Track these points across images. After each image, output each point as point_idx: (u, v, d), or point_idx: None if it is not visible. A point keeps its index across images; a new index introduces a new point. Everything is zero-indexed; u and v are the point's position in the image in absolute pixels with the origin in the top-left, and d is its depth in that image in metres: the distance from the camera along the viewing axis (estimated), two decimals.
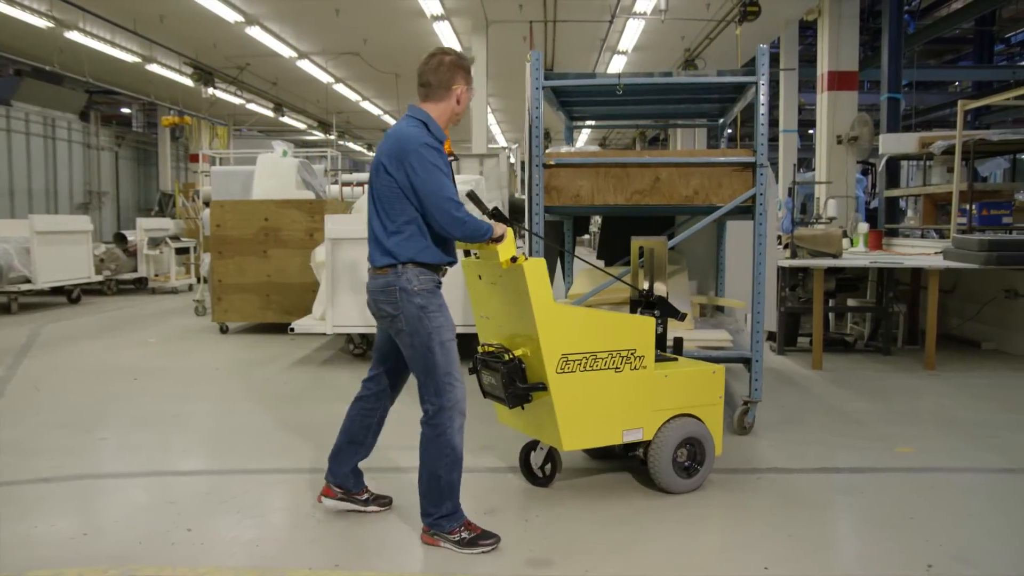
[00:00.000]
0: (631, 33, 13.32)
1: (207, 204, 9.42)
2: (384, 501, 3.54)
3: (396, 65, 16.32)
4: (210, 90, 17.25)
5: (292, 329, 6.91)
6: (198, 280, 11.33)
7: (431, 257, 3.18)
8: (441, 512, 3.15)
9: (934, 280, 6.70)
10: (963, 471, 4.18)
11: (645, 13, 11.93)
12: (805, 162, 19.58)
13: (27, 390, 6.08)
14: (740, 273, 5.65)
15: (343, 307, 6.66)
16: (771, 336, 7.44)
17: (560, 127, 6.63)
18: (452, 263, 3.32)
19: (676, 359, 3.93)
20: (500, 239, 3.19)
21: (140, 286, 13.23)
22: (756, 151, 4.48)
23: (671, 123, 11.12)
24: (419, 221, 3.15)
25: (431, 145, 3.13)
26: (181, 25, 13.67)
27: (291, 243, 8.28)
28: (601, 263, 5.85)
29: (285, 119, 22.31)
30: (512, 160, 10.35)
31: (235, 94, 18.85)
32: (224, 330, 8.69)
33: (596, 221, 9.24)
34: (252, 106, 20.47)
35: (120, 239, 13.12)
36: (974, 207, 7.64)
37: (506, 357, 3.47)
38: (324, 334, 7.44)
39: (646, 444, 3.67)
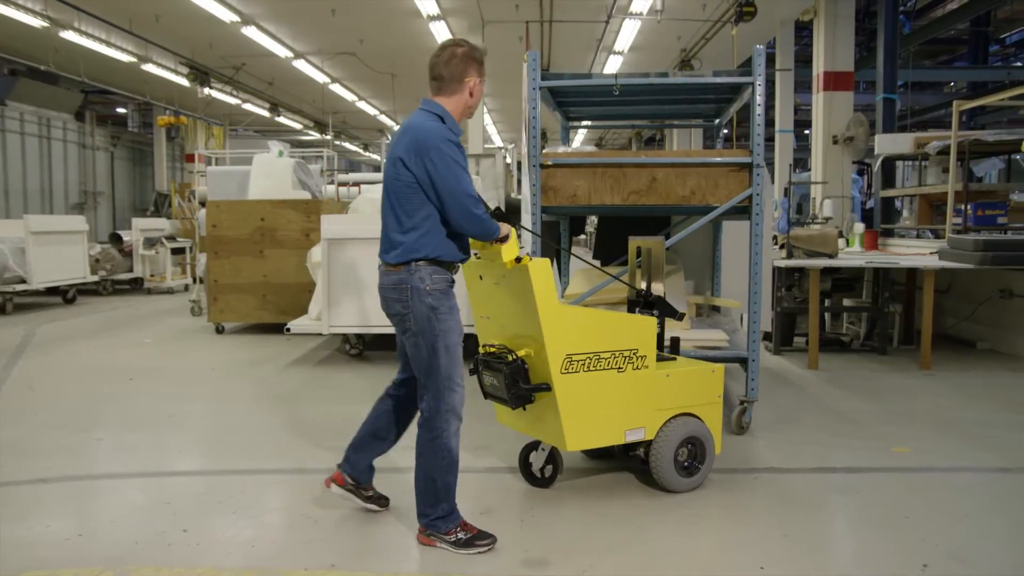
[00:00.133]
0: (627, 33, 13.32)
1: (203, 204, 9.41)
2: (384, 501, 3.54)
3: (392, 65, 16.31)
4: (206, 90, 17.21)
5: (288, 329, 6.91)
6: (194, 280, 11.31)
7: (446, 253, 3.14)
8: (437, 513, 3.14)
9: (929, 280, 6.72)
10: (959, 471, 4.19)
11: (641, 13, 11.94)
12: (801, 162, 19.59)
13: (22, 391, 6.07)
14: (736, 273, 5.66)
15: (339, 307, 6.66)
16: (767, 336, 7.45)
17: (556, 127, 6.63)
18: (466, 259, 3.28)
19: (675, 359, 3.94)
20: (505, 239, 3.18)
21: (136, 286, 13.20)
22: (752, 151, 4.49)
23: (667, 123, 11.13)
24: (435, 217, 3.11)
25: (452, 141, 3.09)
26: (177, 25, 13.64)
27: (287, 243, 8.27)
28: (597, 263, 5.85)
29: (281, 119, 22.27)
30: (508, 160, 10.35)
31: (231, 94, 18.82)
32: (220, 330, 8.68)
33: (592, 221, 9.24)
34: (248, 106, 20.43)
35: (116, 239, 13.08)
36: (969, 207, 7.66)
37: (509, 358, 3.45)
38: (320, 334, 7.44)
39: (647, 444, 3.68)
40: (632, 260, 4.22)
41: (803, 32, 14.64)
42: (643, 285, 4.10)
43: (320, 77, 17.73)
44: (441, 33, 13.44)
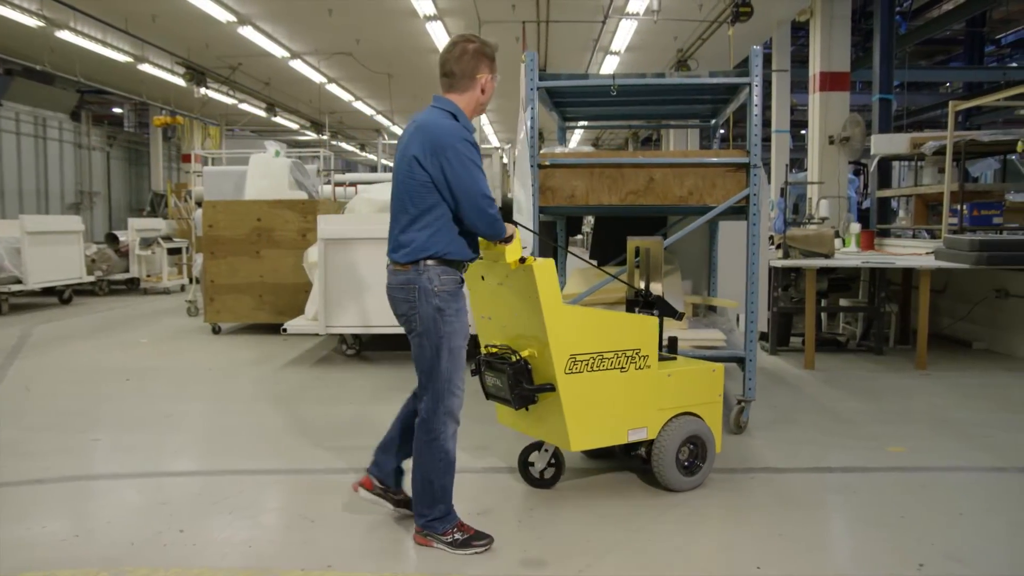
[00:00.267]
0: (624, 34, 13.32)
1: (199, 204, 9.40)
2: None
3: (389, 65, 16.29)
4: (202, 90, 17.17)
5: (285, 330, 6.90)
6: (190, 280, 11.29)
7: (457, 251, 3.11)
8: (434, 514, 3.14)
9: (925, 280, 6.73)
10: (955, 470, 4.20)
11: (638, 14, 11.95)
12: (797, 162, 19.62)
13: (18, 391, 6.05)
14: (732, 273, 5.66)
15: (336, 308, 6.65)
16: (763, 336, 7.46)
17: (553, 127, 6.63)
18: (475, 258, 3.25)
19: (675, 358, 3.95)
20: (510, 239, 3.17)
21: (132, 286, 13.18)
22: (749, 152, 4.50)
23: (664, 124, 11.13)
24: (448, 215, 3.08)
25: (468, 140, 3.06)
26: (173, 25, 13.61)
27: (284, 243, 8.26)
28: (594, 263, 5.85)
29: (277, 119, 22.23)
30: (505, 160, 10.35)
31: (227, 94, 18.78)
32: (216, 330, 8.67)
33: (588, 221, 9.24)
34: (244, 106, 20.39)
35: (112, 239, 13.06)
36: (965, 207, 7.68)
37: (513, 358, 3.45)
38: (317, 335, 7.44)
39: (649, 443, 3.69)
40: (631, 260, 4.22)
41: (799, 32, 14.65)
42: (642, 285, 4.10)
43: (317, 77, 17.71)
44: (438, 33, 13.43)
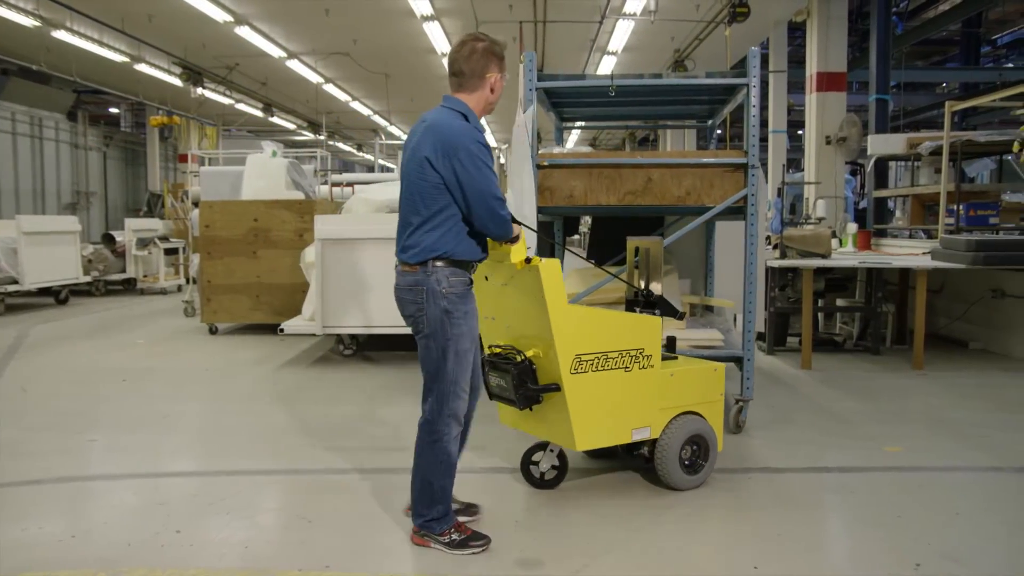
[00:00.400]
0: (621, 34, 13.33)
1: (196, 204, 9.38)
2: (474, 510, 3.44)
3: (386, 65, 16.28)
4: (199, 90, 17.16)
5: (282, 330, 6.89)
6: (187, 281, 11.28)
7: (466, 252, 3.10)
8: (432, 515, 3.14)
9: (922, 280, 6.74)
10: (951, 470, 4.20)
11: (635, 14, 11.95)
12: (794, 163, 19.65)
13: (14, 391, 6.04)
14: (729, 273, 5.67)
15: (333, 308, 6.65)
16: (760, 336, 7.46)
17: (550, 128, 6.63)
18: (484, 258, 3.23)
19: (676, 358, 3.96)
20: (516, 239, 3.17)
21: (128, 287, 13.15)
22: (747, 152, 4.50)
23: (661, 124, 11.15)
24: (458, 215, 3.06)
25: (481, 142, 3.05)
26: (170, 25, 13.60)
27: (281, 244, 8.25)
28: (595, 263, 5.85)
29: (274, 119, 22.22)
30: (503, 160, 10.35)
31: (224, 94, 18.77)
32: (213, 331, 8.66)
33: (585, 222, 9.25)
34: (241, 106, 20.38)
35: (108, 239, 13.04)
36: (961, 207, 7.69)
37: (518, 359, 3.44)
38: (314, 335, 7.43)
39: (651, 442, 3.70)
40: (631, 260, 4.22)
41: (796, 33, 14.67)
42: (642, 285, 4.11)
43: (314, 77, 17.70)
44: (435, 33, 13.43)
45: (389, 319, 6.44)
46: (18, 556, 3.11)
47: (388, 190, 7.43)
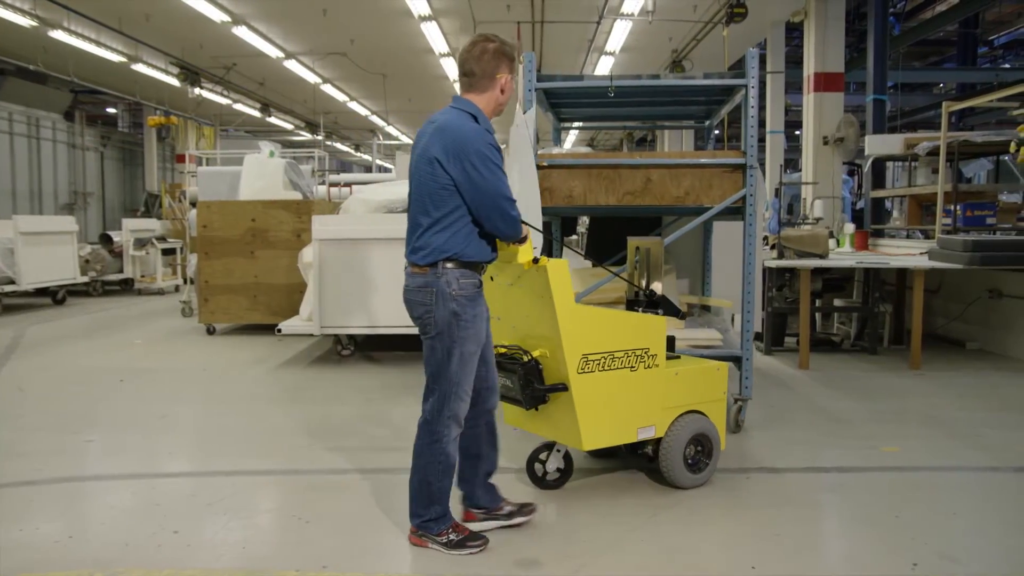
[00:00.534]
0: (618, 34, 13.33)
1: (193, 205, 9.37)
2: (529, 509, 3.38)
3: (383, 66, 16.28)
4: (196, 90, 17.15)
5: (279, 330, 6.89)
6: (184, 281, 11.27)
7: (477, 253, 3.09)
8: (430, 515, 3.14)
9: (919, 280, 6.75)
10: (948, 470, 4.21)
11: (632, 14, 11.95)
12: (792, 163, 19.67)
13: (11, 392, 6.03)
14: (726, 273, 5.67)
15: (331, 308, 6.64)
16: (758, 336, 7.47)
17: (548, 128, 6.63)
18: (494, 259, 3.22)
19: (679, 357, 3.96)
20: (524, 240, 3.17)
21: (126, 287, 13.14)
22: (745, 152, 4.51)
23: (659, 124, 11.14)
24: (467, 217, 3.05)
25: (492, 143, 3.04)
26: (167, 25, 13.58)
27: (278, 244, 8.25)
28: (597, 262, 5.86)
29: (272, 119, 22.21)
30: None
31: (222, 94, 18.75)
32: (211, 331, 8.65)
33: (583, 222, 9.25)
34: (239, 106, 20.36)
35: (106, 240, 13.03)
36: (958, 208, 7.70)
37: (524, 358, 3.44)
38: (312, 335, 7.42)
39: (655, 441, 3.71)
40: (631, 260, 4.23)
41: (794, 33, 14.69)
42: (643, 284, 4.12)
43: (311, 77, 17.69)
44: (433, 34, 13.42)
45: (387, 319, 6.45)
46: (15, 557, 3.10)
47: (386, 190, 7.43)
